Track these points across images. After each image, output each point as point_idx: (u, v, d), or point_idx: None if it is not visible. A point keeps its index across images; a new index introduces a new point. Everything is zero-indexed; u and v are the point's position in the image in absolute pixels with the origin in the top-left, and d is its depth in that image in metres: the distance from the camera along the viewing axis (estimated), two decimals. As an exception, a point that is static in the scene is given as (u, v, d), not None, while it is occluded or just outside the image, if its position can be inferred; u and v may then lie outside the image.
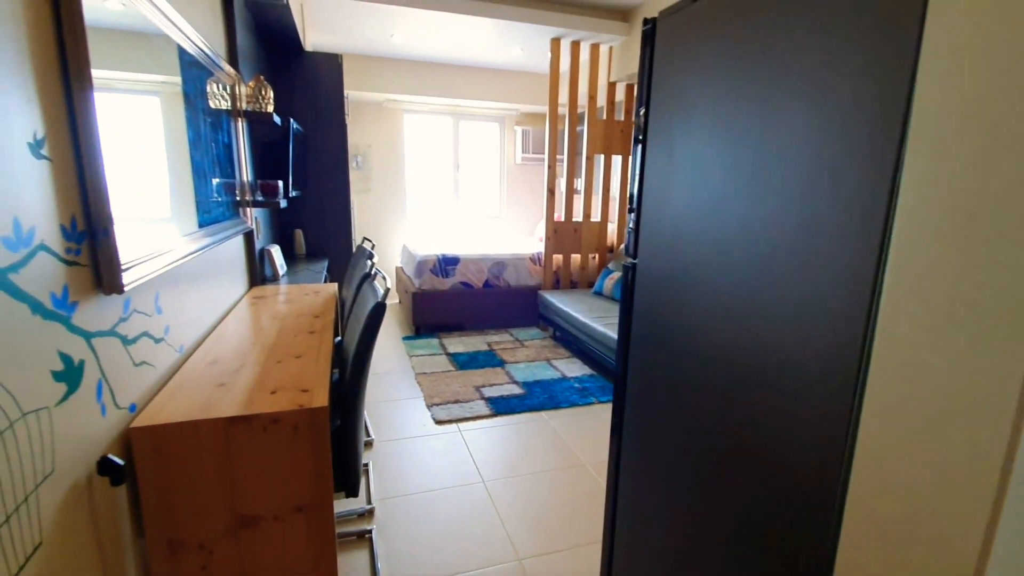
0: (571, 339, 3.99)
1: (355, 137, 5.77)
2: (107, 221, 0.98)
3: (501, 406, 3.12)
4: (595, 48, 4.43)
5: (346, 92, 5.16)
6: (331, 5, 3.64)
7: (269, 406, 1.19)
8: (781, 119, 0.91)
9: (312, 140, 3.71)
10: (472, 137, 6.29)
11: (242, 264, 2.55)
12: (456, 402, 3.16)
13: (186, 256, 1.43)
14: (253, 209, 2.69)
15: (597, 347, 3.55)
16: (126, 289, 1.03)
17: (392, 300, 5.92)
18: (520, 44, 4.65)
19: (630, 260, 1.46)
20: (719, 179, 1.09)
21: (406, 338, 4.45)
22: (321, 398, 1.24)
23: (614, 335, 3.29)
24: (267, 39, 3.38)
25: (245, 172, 2.58)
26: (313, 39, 4.60)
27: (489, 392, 3.32)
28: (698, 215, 1.16)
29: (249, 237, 2.67)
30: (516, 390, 3.36)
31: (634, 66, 4.21)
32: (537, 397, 3.26)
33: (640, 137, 1.36)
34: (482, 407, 3.10)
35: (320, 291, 2.59)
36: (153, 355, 1.28)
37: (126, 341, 1.13)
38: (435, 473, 2.43)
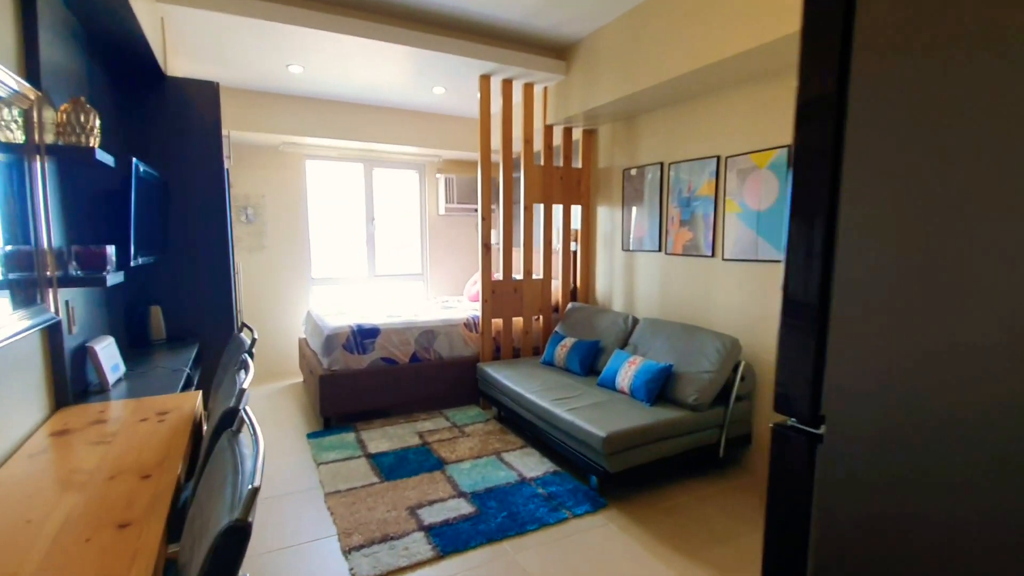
0: (522, 422, 3.27)
1: (245, 185, 4.84)
2: None
3: (448, 539, 2.30)
4: (529, 89, 3.97)
5: (227, 131, 4.29)
6: (203, 22, 2.85)
7: None
8: None
9: (178, 188, 2.81)
10: (388, 186, 5.57)
11: (36, 375, 1.61)
12: (385, 539, 2.29)
13: None
14: (62, 290, 1.76)
15: (562, 439, 2.86)
16: None
17: (294, 379, 4.87)
18: (443, 82, 4.08)
19: (797, 424, 0.81)
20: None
21: (313, 435, 3.49)
22: None
23: (584, 425, 2.62)
24: (112, 60, 2.51)
25: (47, 236, 1.68)
26: (189, 69, 3.73)
27: (429, 516, 2.48)
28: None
29: (54, 332, 1.74)
30: (464, 507, 2.56)
31: (573, 108, 3.78)
32: (494, 517, 2.47)
33: (810, 180, 0.74)
34: (422, 544, 2.26)
35: (170, 410, 1.70)
36: None
37: None
38: None
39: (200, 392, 1.95)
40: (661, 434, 2.64)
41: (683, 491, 2.73)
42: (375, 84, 4.19)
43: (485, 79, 3.79)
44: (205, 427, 1.86)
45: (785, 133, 2.75)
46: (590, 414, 2.74)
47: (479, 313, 4.20)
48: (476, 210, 5.74)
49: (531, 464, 3.02)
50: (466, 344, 4.11)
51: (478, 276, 5.21)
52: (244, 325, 2.28)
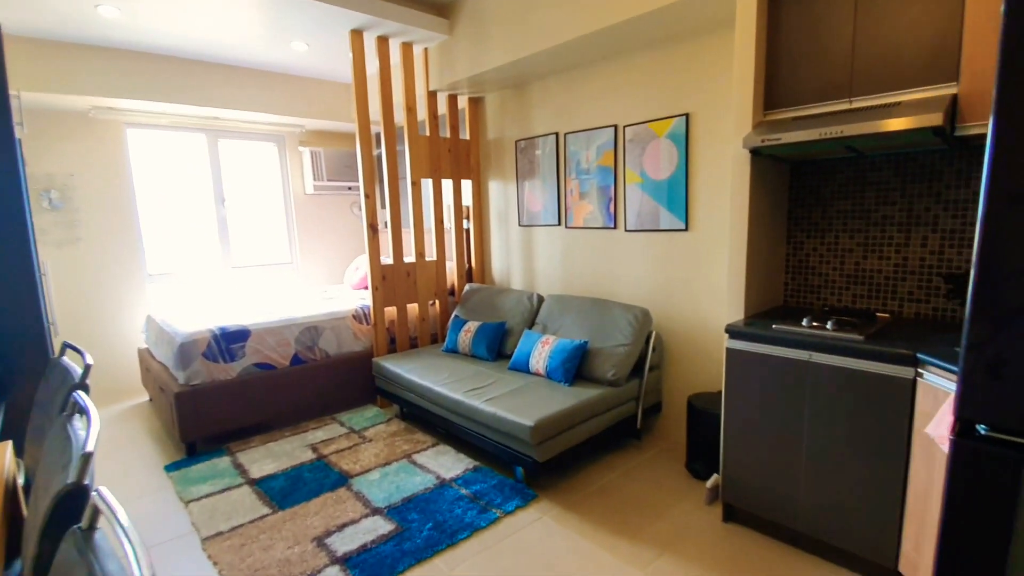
0: (431, 417, 2.99)
1: (46, 163, 3.78)
2: None
3: (370, 568, 1.97)
4: (407, 49, 3.56)
5: (16, 91, 3.29)
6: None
7: None
8: None
9: (-67, 162, 2.00)
10: (241, 161, 4.77)
11: None
12: (292, 586, 1.90)
13: None
14: None
15: (482, 432, 2.65)
16: None
17: (136, 399, 4.01)
18: (304, 36, 3.51)
19: (996, 434, 0.65)
20: None
21: (173, 466, 2.85)
22: None
23: (508, 415, 2.44)
24: None
25: None
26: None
27: (342, 544, 2.13)
28: None
29: None
30: (382, 526, 2.24)
31: (458, 73, 3.48)
32: (418, 532, 2.20)
33: None
34: (340, 582, 1.91)
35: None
36: None
37: None
38: None
39: (9, 443, 1.39)
40: (585, 414, 2.56)
41: (608, 469, 2.69)
42: (217, 36, 3.47)
43: (357, 35, 3.31)
44: (25, 499, 1.32)
45: (683, 101, 2.76)
46: (511, 402, 2.56)
47: (368, 302, 3.78)
48: (352, 188, 5.17)
49: (447, 463, 2.78)
50: (356, 338, 3.68)
51: (361, 261, 4.72)
52: (68, 346, 1.68)
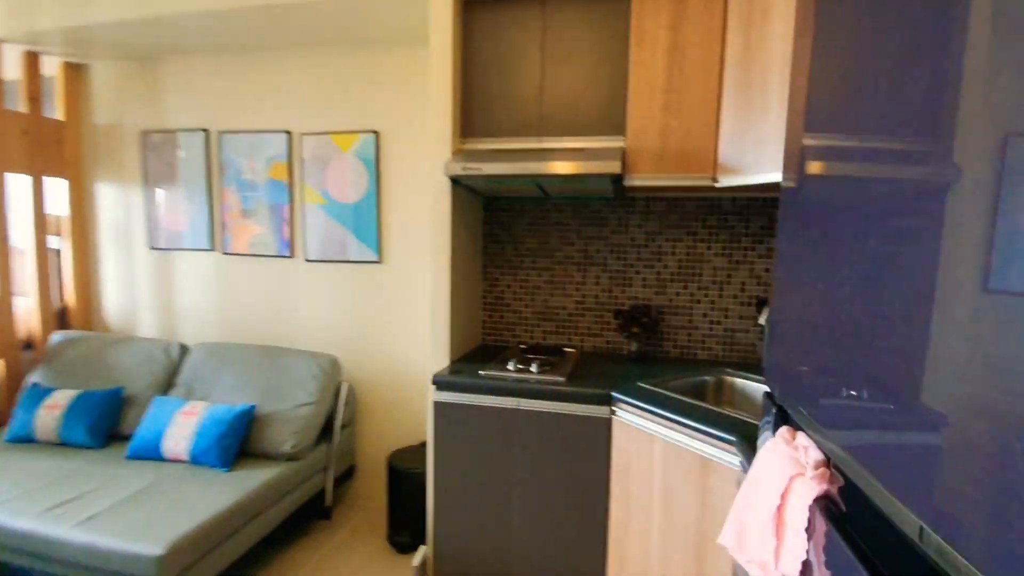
0: (-30, 573, 1.76)
1: None
2: None
3: None
4: (-76, -46, 2.18)
5: None
6: None
7: None
8: None
9: None
10: None
11: None
12: None
13: None
14: None
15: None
16: None
17: None
18: None
19: None
20: None
21: None
22: None
23: (115, 544, 1.56)
24: None
25: None
26: None
27: None
28: None
29: None
30: None
31: (43, 20, 2.32)
32: None
33: None
34: None
35: None
36: None
37: None
38: None
39: None
40: (255, 509, 1.88)
41: (291, 567, 2.06)
42: None
43: None
44: None
45: (373, 117, 2.43)
46: (127, 518, 1.67)
47: None
48: None
49: (-2, 645, 1.64)
50: None
51: None
52: None
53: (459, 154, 1.88)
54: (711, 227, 2.06)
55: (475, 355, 2.07)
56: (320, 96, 2.49)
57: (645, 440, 1.55)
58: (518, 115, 1.91)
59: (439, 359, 1.94)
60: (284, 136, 2.54)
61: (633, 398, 1.57)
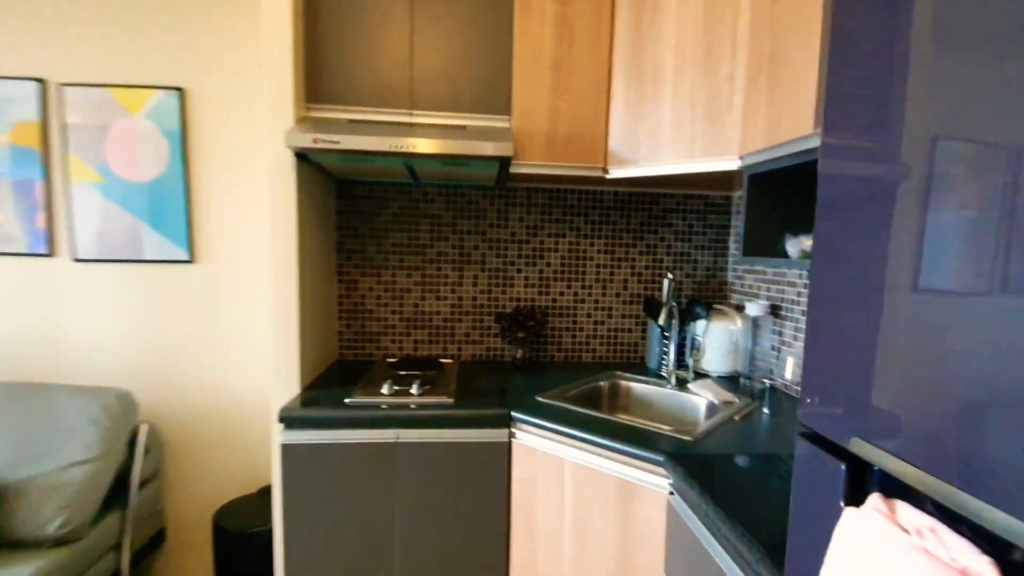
0: None
1: None
2: None
3: None
4: None
5: None
6: None
7: None
8: None
9: None
10: None
11: None
12: None
13: None
14: None
15: None
16: None
17: None
18: None
19: None
20: None
21: None
22: None
23: None
24: None
25: None
26: None
27: None
28: None
29: None
30: None
31: None
32: None
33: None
34: None
35: None
36: None
37: None
38: None
39: None
40: (-7, 636, 1.26)
41: None
42: None
43: None
44: None
45: (176, 68, 1.83)
46: None
47: None
48: None
49: None
50: None
51: None
52: None
53: (305, 122, 1.46)
54: (593, 222, 1.95)
55: (333, 376, 1.67)
56: (94, 33, 1.81)
57: (553, 464, 1.35)
58: (383, 81, 1.56)
59: (287, 386, 1.51)
60: (35, 86, 1.80)
61: (536, 417, 1.36)
